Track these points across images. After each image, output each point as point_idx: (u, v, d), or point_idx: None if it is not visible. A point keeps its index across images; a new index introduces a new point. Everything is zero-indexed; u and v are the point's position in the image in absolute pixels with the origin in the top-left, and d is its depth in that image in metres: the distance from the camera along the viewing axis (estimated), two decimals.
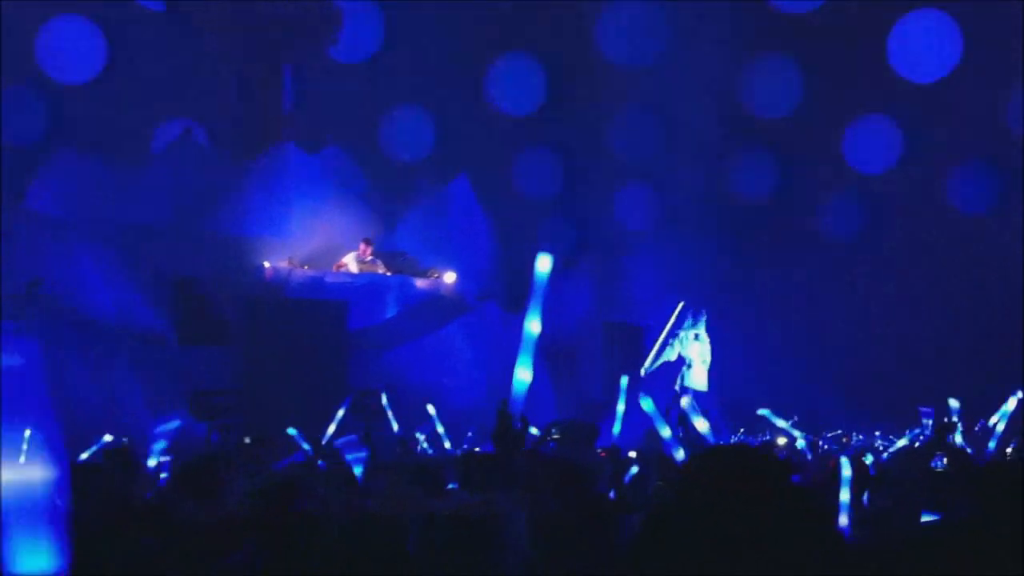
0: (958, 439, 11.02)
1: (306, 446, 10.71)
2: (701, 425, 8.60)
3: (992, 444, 10.92)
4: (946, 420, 13.27)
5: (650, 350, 23.41)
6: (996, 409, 12.12)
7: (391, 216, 22.63)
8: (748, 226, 26.49)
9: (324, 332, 18.77)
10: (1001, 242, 25.30)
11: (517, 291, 23.44)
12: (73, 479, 7.53)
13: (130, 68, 25.72)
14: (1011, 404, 12.13)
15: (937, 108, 25.92)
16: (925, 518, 5.38)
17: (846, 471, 5.88)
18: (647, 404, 7.77)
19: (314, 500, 6.86)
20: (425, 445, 15.60)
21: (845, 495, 5.77)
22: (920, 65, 26.64)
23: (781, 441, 15.22)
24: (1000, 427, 11.10)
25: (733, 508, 2.35)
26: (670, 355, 21.57)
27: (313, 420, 14.03)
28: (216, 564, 5.15)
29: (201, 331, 19.45)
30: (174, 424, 9.64)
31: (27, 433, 2.70)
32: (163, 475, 8.87)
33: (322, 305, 19.36)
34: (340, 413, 13.66)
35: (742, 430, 20.45)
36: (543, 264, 4.95)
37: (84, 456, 11.01)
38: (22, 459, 2.67)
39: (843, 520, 5.71)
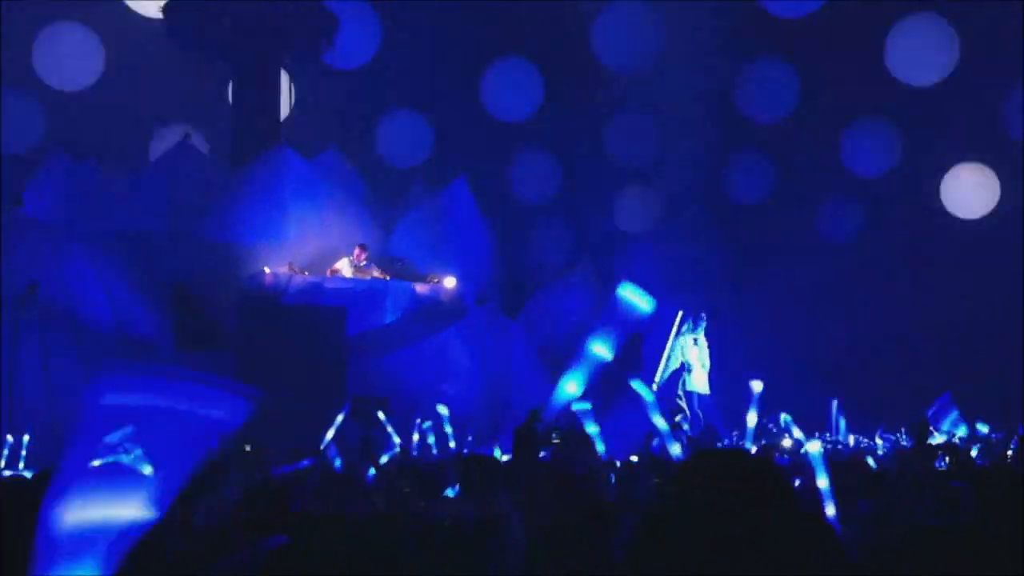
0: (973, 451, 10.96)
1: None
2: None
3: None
4: (922, 423, 13.24)
5: (645, 354, 23.38)
6: (995, 412, 12.08)
7: (389, 221, 22.61)
8: (746, 229, 26.49)
9: (322, 337, 18.74)
10: (999, 245, 25.29)
11: (515, 295, 23.45)
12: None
13: (126, 74, 25.70)
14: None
15: (934, 111, 25.93)
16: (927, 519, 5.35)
17: (819, 465, 5.83)
18: (639, 387, 7.71)
19: (312, 502, 6.83)
20: (432, 441, 15.56)
21: (823, 482, 5.72)
22: (917, 68, 26.65)
23: (786, 443, 15.17)
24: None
25: (728, 509, 2.34)
26: (674, 363, 21.56)
27: (311, 426, 14.00)
28: (213, 567, 5.12)
29: (198, 337, 19.43)
30: None
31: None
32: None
33: (320, 311, 19.33)
34: (340, 419, 13.63)
35: (735, 432, 20.42)
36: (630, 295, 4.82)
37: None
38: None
39: (830, 511, 5.68)
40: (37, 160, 22.42)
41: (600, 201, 26.88)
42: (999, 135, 26.62)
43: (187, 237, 20.46)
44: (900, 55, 26.66)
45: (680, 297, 23.00)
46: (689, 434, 17.72)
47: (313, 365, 18.04)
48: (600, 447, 7.48)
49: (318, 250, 20.92)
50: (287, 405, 15.36)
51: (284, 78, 24.43)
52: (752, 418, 8.77)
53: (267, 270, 20.05)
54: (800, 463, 10.82)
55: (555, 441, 11.22)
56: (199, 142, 23.53)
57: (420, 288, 20.90)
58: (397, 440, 14.87)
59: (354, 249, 20.69)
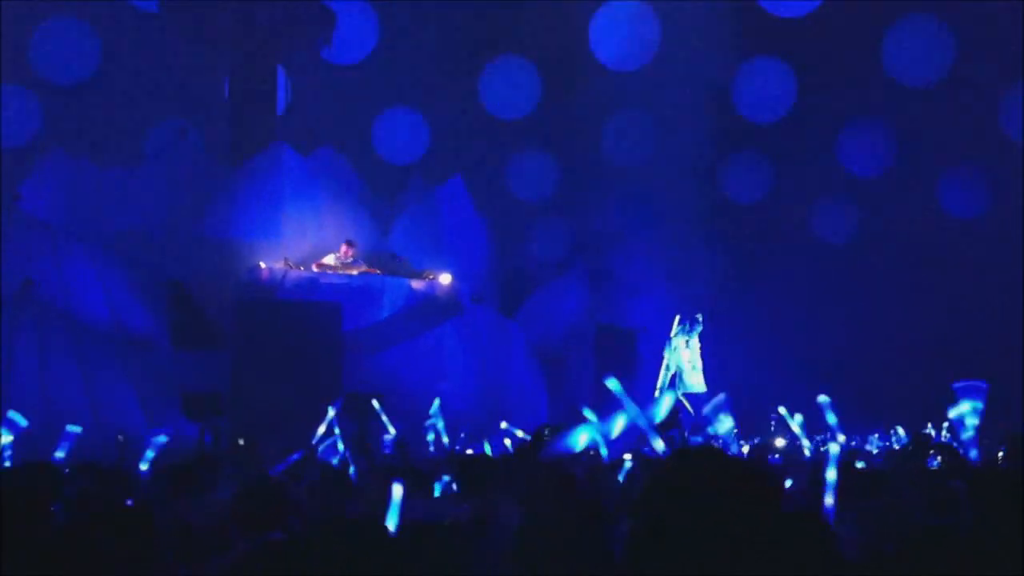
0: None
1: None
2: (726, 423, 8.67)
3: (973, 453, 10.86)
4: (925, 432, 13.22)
5: (642, 355, 23.43)
6: (992, 414, 12.01)
7: (385, 218, 22.60)
8: (743, 229, 26.51)
9: (317, 334, 18.73)
10: (996, 245, 25.33)
11: (511, 293, 23.45)
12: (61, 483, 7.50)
13: (123, 69, 25.66)
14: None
15: (931, 112, 25.95)
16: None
17: (831, 474, 5.86)
18: (614, 384, 7.70)
19: (308, 499, 6.84)
20: (431, 438, 15.56)
21: (829, 500, 5.75)
22: (914, 69, 26.67)
23: (779, 443, 15.19)
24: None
25: (704, 507, 2.36)
26: (672, 368, 21.59)
27: (306, 422, 14.00)
28: (206, 564, 5.13)
29: (193, 334, 19.42)
30: (161, 438, 9.61)
31: None
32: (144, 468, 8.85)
33: (315, 307, 19.32)
34: (331, 413, 13.63)
35: (736, 431, 20.41)
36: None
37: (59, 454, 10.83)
38: None
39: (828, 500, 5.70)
40: (34, 155, 22.38)
41: (596, 199, 26.88)
42: (996, 136, 26.65)
43: (184, 233, 20.44)
44: (897, 56, 26.69)
45: (675, 295, 23.05)
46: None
47: (308, 361, 18.03)
48: (632, 412, 7.46)
49: (314, 246, 20.92)
50: (282, 401, 15.40)
51: (281, 74, 24.41)
52: (726, 423, 8.76)
53: (263, 265, 20.04)
54: (794, 462, 10.85)
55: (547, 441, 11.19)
56: (196, 138, 23.49)
57: (416, 285, 20.89)
58: (392, 431, 14.88)
59: (341, 245, 20.68)
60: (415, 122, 28.04)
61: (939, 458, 9.11)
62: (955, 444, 11.43)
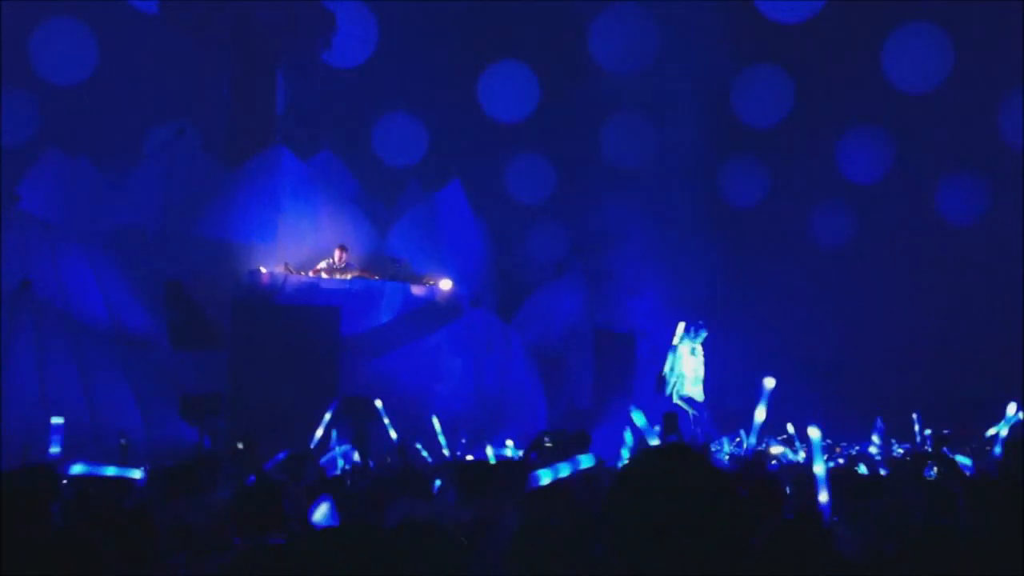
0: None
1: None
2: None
3: (998, 449, 10.85)
4: (944, 432, 13.22)
5: (640, 358, 23.43)
6: (990, 418, 12.04)
7: (383, 221, 22.60)
8: (741, 233, 26.51)
9: (316, 337, 18.74)
10: (993, 252, 25.34)
11: (509, 296, 23.46)
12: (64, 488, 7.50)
13: (122, 70, 25.65)
14: (1011, 410, 11.96)
15: (929, 118, 25.97)
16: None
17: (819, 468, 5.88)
18: (638, 417, 7.77)
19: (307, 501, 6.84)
20: (425, 453, 15.59)
21: (824, 497, 5.77)
22: (913, 75, 26.70)
23: (775, 450, 15.22)
24: (1003, 433, 10.96)
25: (666, 505, 2.38)
26: (676, 373, 21.53)
27: (304, 424, 14.02)
28: (205, 565, 5.13)
29: (192, 334, 19.41)
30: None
31: None
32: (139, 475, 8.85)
33: (314, 310, 19.32)
34: (328, 416, 13.65)
35: (738, 439, 20.45)
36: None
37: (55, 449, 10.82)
38: None
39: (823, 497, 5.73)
40: (31, 155, 22.37)
41: (595, 203, 26.89)
42: (993, 142, 26.68)
43: (182, 235, 20.44)
44: (896, 62, 26.72)
45: (673, 299, 23.06)
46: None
47: (306, 364, 18.04)
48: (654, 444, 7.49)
49: (313, 250, 20.91)
50: (280, 403, 15.39)
51: (280, 77, 24.42)
52: (760, 413, 8.85)
53: (263, 269, 20.03)
54: (791, 469, 10.85)
55: (547, 445, 11.22)
56: (194, 139, 23.49)
57: (416, 289, 20.90)
58: (393, 435, 14.89)
59: (335, 251, 20.68)
60: (414, 125, 28.06)
61: (935, 468, 9.10)
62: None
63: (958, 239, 26.34)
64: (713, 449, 13.95)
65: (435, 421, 15.59)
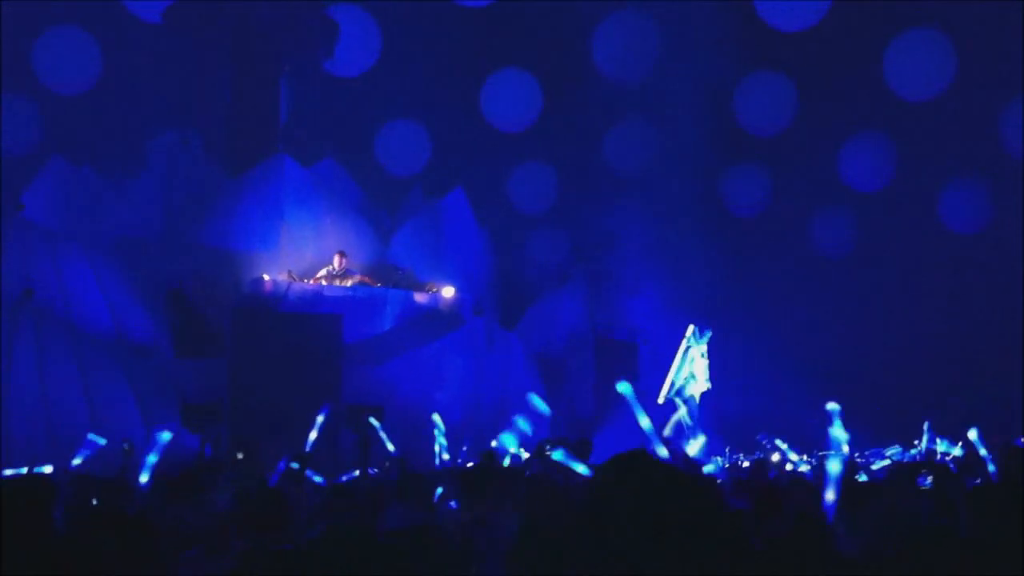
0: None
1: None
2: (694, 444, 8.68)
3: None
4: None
5: (641, 367, 23.41)
6: (991, 425, 12.02)
7: (385, 229, 22.63)
8: (743, 242, 26.52)
9: (318, 345, 18.74)
10: (995, 259, 25.34)
11: (511, 304, 23.46)
12: (66, 489, 7.51)
13: (125, 78, 25.69)
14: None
15: (931, 126, 25.98)
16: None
17: (834, 467, 5.90)
18: (625, 388, 7.73)
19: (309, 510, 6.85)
20: (438, 449, 15.61)
21: (831, 495, 5.78)
22: (915, 83, 26.72)
23: (774, 458, 15.22)
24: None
25: (634, 510, 2.39)
26: (683, 374, 21.50)
27: (304, 432, 14.03)
28: (206, 569, 5.14)
29: (194, 341, 19.44)
30: (166, 436, 9.67)
31: None
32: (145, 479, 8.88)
33: (317, 318, 19.33)
34: (320, 419, 13.69)
35: (729, 448, 20.45)
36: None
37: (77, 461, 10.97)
38: None
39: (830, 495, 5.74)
40: (35, 163, 22.41)
41: (597, 211, 26.90)
42: (996, 150, 26.68)
43: (184, 243, 20.47)
44: (898, 69, 26.74)
45: (675, 306, 23.06)
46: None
47: (308, 372, 18.04)
48: (644, 422, 7.52)
49: (315, 258, 20.94)
50: (281, 411, 15.40)
51: (283, 85, 24.45)
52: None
53: (266, 277, 20.05)
54: (793, 478, 10.85)
55: (548, 452, 11.23)
56: (197, 147, 23.52)
57: (419, 297, 20.92)
58: (391, 447, 14.92)
59: (334, 257, 20.69)
60: (416, 134, 28.07)
61: (929, 478, 9.10)
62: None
63: (960, 246, 26.35)
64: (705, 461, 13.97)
65: (437, 418, 15.60)
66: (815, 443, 19.26)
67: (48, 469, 9.64)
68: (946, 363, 24.59)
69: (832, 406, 9.50)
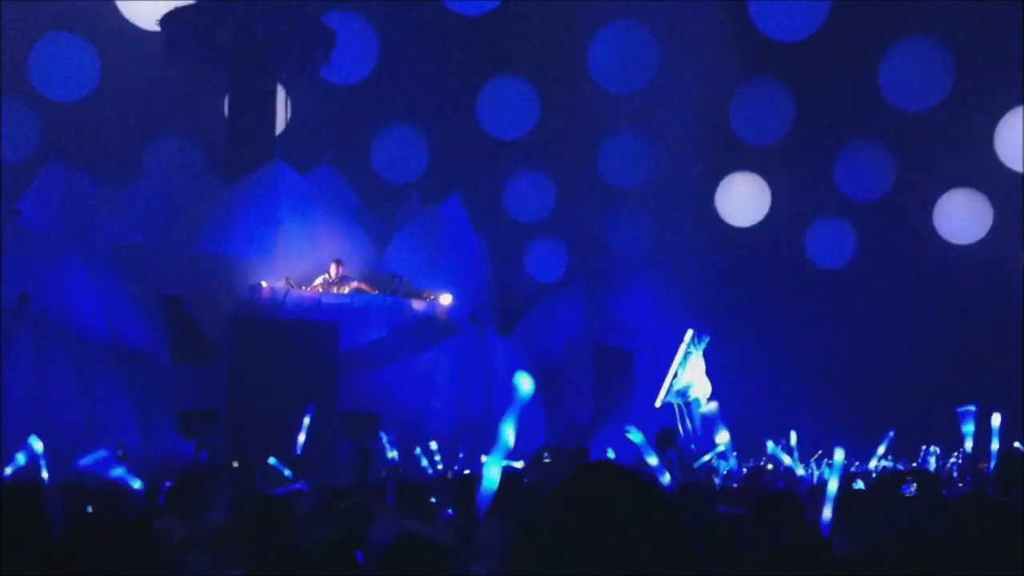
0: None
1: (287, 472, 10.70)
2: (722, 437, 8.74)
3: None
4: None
5: (638, 374, 23.42)
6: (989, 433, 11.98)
7: (382, 236, 22.63)
8: (739, 251, 26.55)
9: (315, 352, 18.74)
10: (992, 270, 25.39)
11: (508, 312, 23.47)
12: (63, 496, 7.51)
13: (122, 86, 25.70)
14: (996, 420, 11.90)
15: (928, 136, 26.04)
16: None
17: (832, 485, 5.91)
18: (635, 436, 7.79)
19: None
20: (425, 463, 15.62)
21: (828, 513, 5.80)
22: (912, 93, 26.76)
23: (770, 466, 15.20)
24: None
25: (598, 521, 2.41)
26: (681, 378, 21.50)
27: (318, 443, 14.03)
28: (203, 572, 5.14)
29: (191, 348, 19.43)
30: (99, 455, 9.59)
31: None
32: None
33: (313, 325, 19.32)
34: (306, 421, 13.70)
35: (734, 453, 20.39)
36: (525, 384, 4.76)
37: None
38: None
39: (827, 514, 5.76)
40: (32, 170, 22.42)
41: (594, 219, 26.93)
42: (992, 161, 26.72)
43: (181, 249, 20.47)
44: (895, 80, 26.78)
45: (672, 316, 23.08)
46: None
47: (304, 380, 18.02)
48: (652, 461, 7.53)
49: (312, 265, 20.93)
50: (277, 418, 15.39)
51: (280, 92, 24.46)
52: (723, 436, 8.87)
53: (264, 284, 20.05)
54: (790, 487, 10.85)
55: (546, 461, 11.26)
56: (194, 154, 23.53)
57: (416, 304, 20.92)
58: (392, 454, 14.92)
59: (330, 265, 20.70)
60: (413, 141, 28.09)
61: (913, 485, 9.09)
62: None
63: (957, 257, 26.39)
64: (707, 466, 13.96)
65: (433, 445, 15.67)
66: (812, 449, 19.31)
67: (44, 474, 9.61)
68: (943, 370, 24.61)
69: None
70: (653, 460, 7.57)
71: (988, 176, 26.68)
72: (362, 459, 14.72)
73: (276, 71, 23.94)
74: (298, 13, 23.52)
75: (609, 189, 27.25)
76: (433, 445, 16.06)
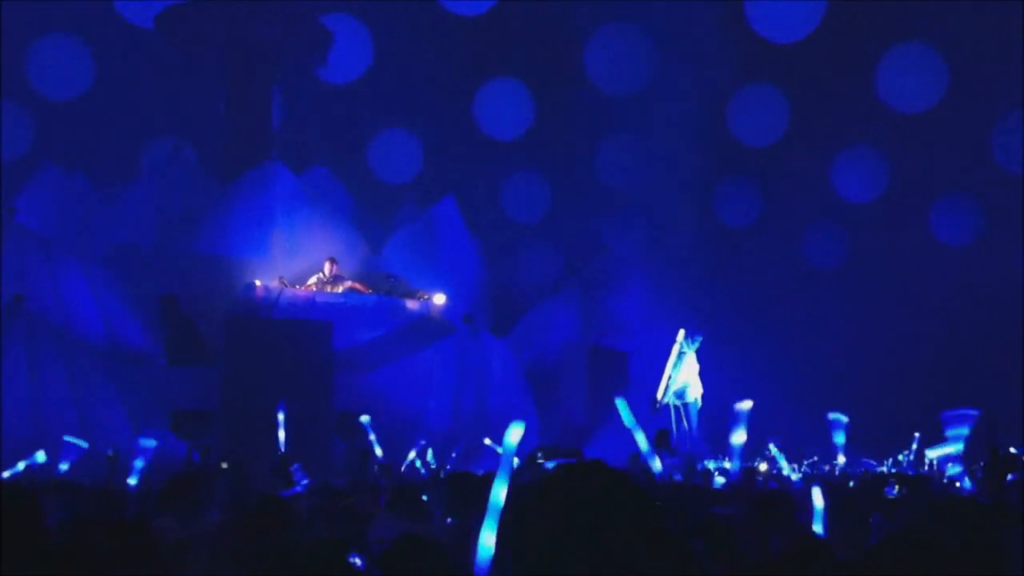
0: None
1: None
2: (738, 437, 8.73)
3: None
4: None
5: (633, 375, 23.39)
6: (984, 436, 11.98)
7: (377, 237, 22.62)
8: (734, 253, 26.57)
9: (308, 351, 18.71)
10: (987, 272, 25.42)
11: (503, 313, 23.47)
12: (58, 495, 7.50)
13: (118, 85, 25.69)
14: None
15: (925, 139, 26.07)
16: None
17: (818, 502, 5.92)
18: (622, 406, 7.72)
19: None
20: (418, 464, 15.63)
21: (818, 527, 5.81)
22: (908, 96, 26.81)
23: (762, 467, 15.23)
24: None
25: (582, 520, 2.40)
26: (677, 379, 21.44)
27: (293, 441, 14.02)
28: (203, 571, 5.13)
29: (187, 349, 19.41)
30: (151, 443, 9.64)
31: None
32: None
33: (306, 325, 19.30)
34: (281, 417, 13.68)
35: (725, 457, 20.41)
36: (515, 435, 4.73)
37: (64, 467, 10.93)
38: None
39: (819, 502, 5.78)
40: (27, 170, 22.39)
41: (589, 221, 26.94)
42: (988, 163, 26.78)
43: (176, 250, 20.45)
44: (891, 82, 26.83)
45: (667, 317, 23.07)
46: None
47: (298, 379, 18.00)
48: (641, 441, 7.51)
49: (306, 264, 20.91)
50: (270, 418, 15.39)
51: (276, 92, 24.46)
52: (740, 436, 8.83)
53: (258, 283, 20.03)
54: (784, 488, 10.86)
55: (540, 461, 11.26)
56: (190, 154, 23.51)
57: (411, 304, 20.92)
58: (379, 452, 14.91)
59: (324, 264, 20.71)
60: (409, 142, 28.10)
61: (897, 487, 9.12)
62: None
63: (952, 259, 26.43)
64: (704, 467, 14.00)
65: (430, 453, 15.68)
66: (806, 452, 19.33)
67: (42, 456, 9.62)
68: (939, 374, 24.63)
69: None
70: (641, 440, 7.55)
71: (983, 177, 26.73)
72: (359, 459, 14.72)
73: (272, 71, 23.93)
74: (294, 13, 23.53)
75: (605, 189, 27.26)
76: (429, 455, 16.09)
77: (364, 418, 15.24)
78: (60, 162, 22.20)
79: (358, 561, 4.05)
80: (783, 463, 12.20)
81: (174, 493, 7.31)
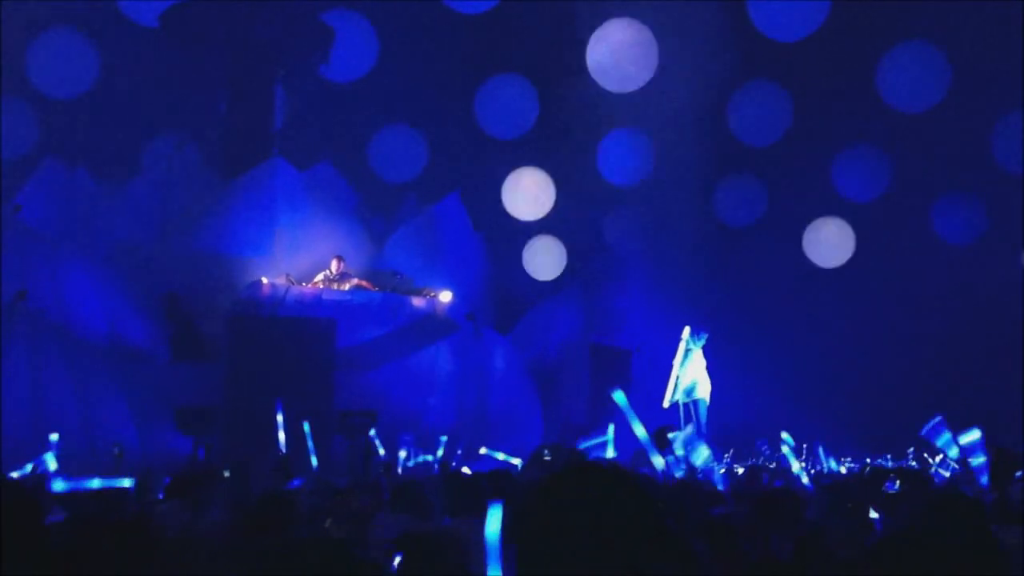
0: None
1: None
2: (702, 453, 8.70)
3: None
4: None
5: (635, 374, 23.41)
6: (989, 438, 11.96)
7: (381, 234, 22.64)
8: (736, 252, 26.56)
9: (311, 349, 18.74)
10: (988, 272, 25.41)
11: (506, 311, 23.48)
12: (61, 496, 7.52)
13: (120, 83, 25.67)
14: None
15: (927, 138, 26.05)
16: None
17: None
18: (620, 397, 7.74)
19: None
20: (421, 460, 15.66)
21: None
22: (910, 95, 26.77)
23: (772, 465, 15.24)
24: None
25: (584, 520, 2.41)
26: (685, 376, 21.41)
27: (297, 439, 14.03)
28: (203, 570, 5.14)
29: (190, 346, 19.44)
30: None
31: None
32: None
33: (310, 323, 19.33)
34: (280, 418, 13.70)
35: (726, 456, 20.46)
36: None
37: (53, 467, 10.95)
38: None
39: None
40: (29, 167, 22.40)
41: (591, 219, 26.92)
42: (989, 163, 26.75)
43: (179, 247, 20.47)
44: (893, 81, 26.79)
45: (669, 315, 23.09)
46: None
47: (301, 377, 18.04)
48: (639, 431, 7.53)
49: (310, 262, 20.95)
50: (273, 416, 15.41)
51: (279, 90, 24.47)
52: (639, 430, 8.80)
53: (264, 280, 20.05)
54: (787, 484, 10.87)
55: (546, 459, 11.27)
56: (193, 151, 23.52)
57: (416, 302, 20.94)
58: (382, 451, 14.94)
59: (331, 261, 20.72)
60: (412, 139, 28.08)
61: (897, 482, 9.11)
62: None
63: (953, 259, 26.41)
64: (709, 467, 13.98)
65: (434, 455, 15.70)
66: (806, 452, 19.31)
67: (61, 485, 9.62)
68: (941, 373, 24.63)
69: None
70: (640, 431, 7.57)
71: (985, 177, 26.70)
72: (363, 457, 14.75)
73: (275, 68, 23.95)
74: (297, 11, 23.54)
75: (607, 187, 27.24)
76: (434, 454, 16.11)
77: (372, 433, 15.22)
78: (62, 158, 22.21)
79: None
80: (793, 461, 12.19)
81: (177, 490, 7.34)
